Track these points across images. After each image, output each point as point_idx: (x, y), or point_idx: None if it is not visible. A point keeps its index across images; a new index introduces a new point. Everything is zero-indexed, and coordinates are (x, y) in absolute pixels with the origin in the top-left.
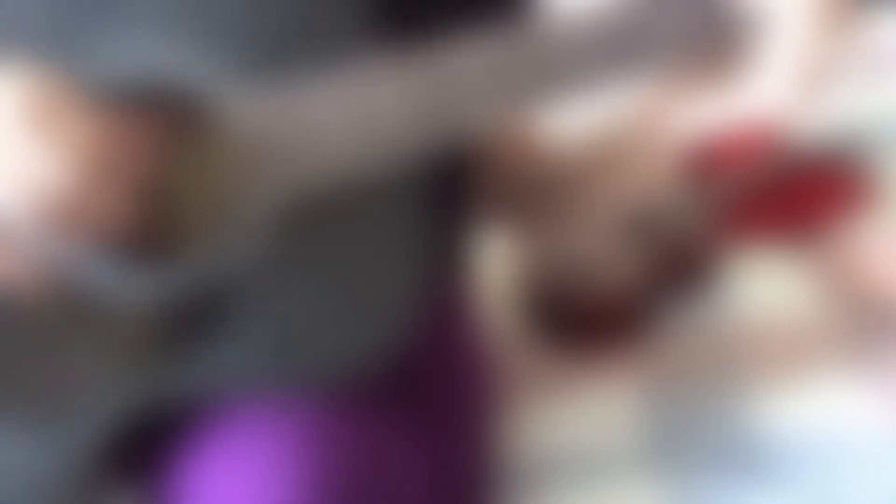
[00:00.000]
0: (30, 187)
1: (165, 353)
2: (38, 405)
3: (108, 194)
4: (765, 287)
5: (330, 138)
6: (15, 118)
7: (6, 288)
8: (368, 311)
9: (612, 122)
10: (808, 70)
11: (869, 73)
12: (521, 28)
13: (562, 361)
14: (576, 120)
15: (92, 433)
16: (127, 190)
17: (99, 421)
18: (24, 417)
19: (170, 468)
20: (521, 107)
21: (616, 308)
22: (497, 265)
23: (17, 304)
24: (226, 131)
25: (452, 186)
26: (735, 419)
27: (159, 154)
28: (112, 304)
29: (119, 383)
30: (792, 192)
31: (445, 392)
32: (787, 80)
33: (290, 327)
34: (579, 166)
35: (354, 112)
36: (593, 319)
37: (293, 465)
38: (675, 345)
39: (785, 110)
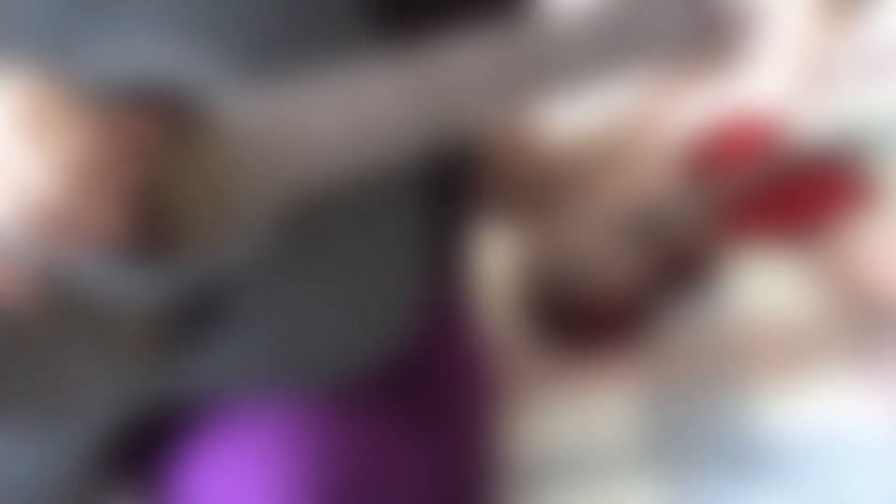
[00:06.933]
0: (23, 193)
1: (165, 353)
2: (39, 406)
3: (101, 199)
4: (765, 287)
5: (328, 138)
6: (8, 124)
7: (3, 295)
8: (368, 311)
9: (610, 120)
10: (804, 65)
11: (869, 72)
12: (519, 26)
13: (562, 361)
14: (574, 118)
15: (92, 434)
16: (121, 194)
17: (98, 422)
18: (24, 419)
19: (169, 468)
20: (520, 105)
21: (616, 308)
22: (497, 265)
23: (15, 309)
24: (223, 131)
25: (452, 185)
26: (735, 419)
27: (156, 155)
28: (111, 306)
29: (118, 384)
30: (792, 191)
31: (445, 392)
32: (783, 76)
33: (289, 327)
34: (578, 164)
35: (352, 111)
36: (593, 319)
37: (292, 465)
38: (675, 345)
39: (783, 106)
